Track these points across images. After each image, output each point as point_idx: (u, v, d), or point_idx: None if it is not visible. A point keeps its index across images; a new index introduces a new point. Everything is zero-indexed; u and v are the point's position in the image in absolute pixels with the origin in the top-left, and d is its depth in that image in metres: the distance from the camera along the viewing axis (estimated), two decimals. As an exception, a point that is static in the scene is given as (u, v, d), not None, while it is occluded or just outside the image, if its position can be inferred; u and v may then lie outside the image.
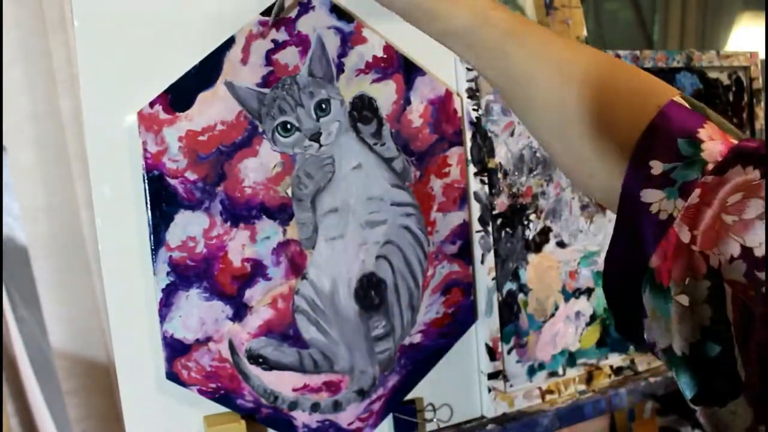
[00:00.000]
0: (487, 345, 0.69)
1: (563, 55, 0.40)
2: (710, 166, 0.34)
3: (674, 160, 0.34)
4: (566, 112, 0.39)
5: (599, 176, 0.38)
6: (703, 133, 0.35)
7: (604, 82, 0.39)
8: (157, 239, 0.55)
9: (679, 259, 0.34)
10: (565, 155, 0.41)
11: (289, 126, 0.59)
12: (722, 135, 0.35)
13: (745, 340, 0.32)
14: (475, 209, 0.68)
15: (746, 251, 0.32)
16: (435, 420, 0.68)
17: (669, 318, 0.34)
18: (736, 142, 0.35)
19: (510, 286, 0.71)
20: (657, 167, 0.35)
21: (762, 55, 0.92)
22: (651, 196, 0.35)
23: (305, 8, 0.59)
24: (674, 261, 0.34)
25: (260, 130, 0.58)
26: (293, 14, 0.59)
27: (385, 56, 0.63)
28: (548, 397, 0.73)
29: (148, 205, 0.55)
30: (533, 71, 0.41)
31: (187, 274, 0.56)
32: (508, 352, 0.71)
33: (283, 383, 0.60)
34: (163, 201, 0.55)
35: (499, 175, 0.70)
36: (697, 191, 0.34)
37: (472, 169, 0.68)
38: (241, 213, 0.58)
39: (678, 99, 0.37)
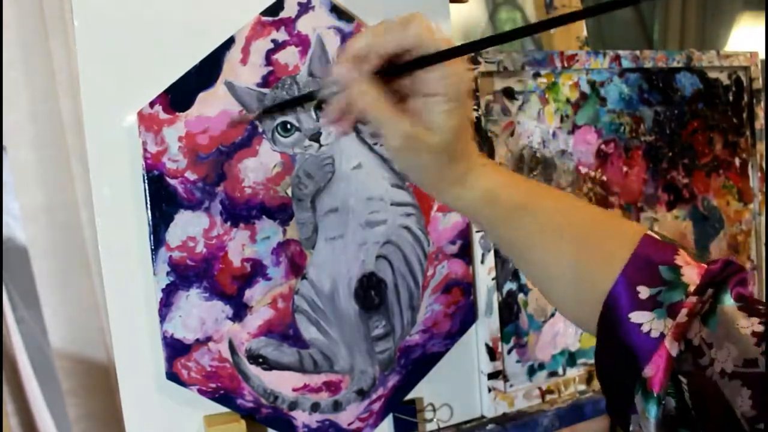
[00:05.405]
0: (487, 345, 0.69)
1: (559, 221, 0.45)
2: (691, 288, 0.40)
3: (659, 285, 0.41)
4: (564, 268, 0.45)
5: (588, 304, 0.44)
6: (679, 260, 0.41)
7: (587, 228, 0.45)
8: (157, 239, 0.55)
9: (668, 370, 0.39)
10: (559, 295, 0.47)
11: (288, 126, 0.59)
12: (693, 260, 0.41)
13: (704, 419, 0.38)
14: (475, 209, 0.68)
15: (688, 343, 0.39)
16: (435, 420, 0.68)
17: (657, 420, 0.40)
18: (705, 265, 0.41)
19: (510, 286, 0.71)
20: (644, 292, 0.41)
21: (762, 55, 0.92)
22: (641, 317, 0.41)
23: (305, 8, 0.59)
24: (665, 372, 0.39)
25: (260, 130, 0.58)
26: (293, 14, 0.59)
27: (385, 56, 0.63)
28: (548, 397, 0.73)
29: (148, 205, 0.55)
30: (533, 245, 0.46)
31: (187, 274, 0.56)
32: (508, 352, 0.71)
33: (283, 383, 0.60)
34: (163, 201, 0.55)
35: (499, 175, 0.70)
36: (684, 310, 0.39)
37: (472, 169, 0.68)
38: (241, 213, 0.58)
39: (651, 233, 0.43)
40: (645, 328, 0.40)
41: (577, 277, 0.44)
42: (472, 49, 0.41)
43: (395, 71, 0.43)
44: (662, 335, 0.39)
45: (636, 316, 0.41)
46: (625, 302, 0.41)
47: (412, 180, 0.50)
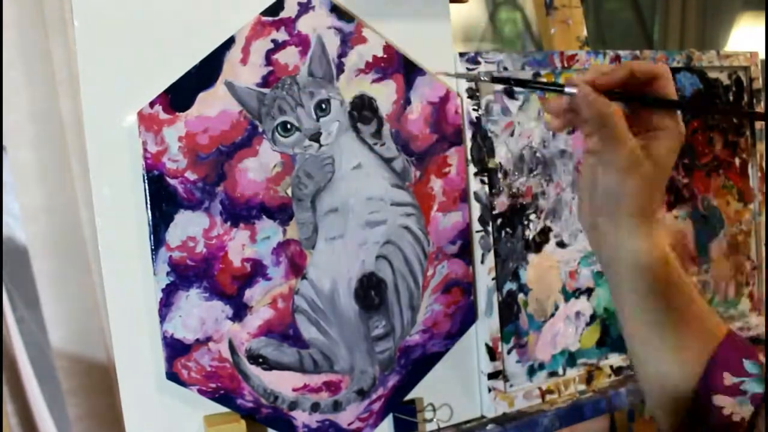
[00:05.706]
0: (487, 345, 0.69)
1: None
2: None
3: (742, 376, 0.46)
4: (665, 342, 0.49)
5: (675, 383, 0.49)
6: (762, 357, 0.47)
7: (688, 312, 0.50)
8: (157, 239, 0.55)
9: None
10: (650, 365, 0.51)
11: (289, 126, 0.59)
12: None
13: None
14: (475, 209, 0.68)
15: None
16: (435, 420, 0.68)
17: None
18: None
19: (510, 286, 0.71)
20: (728, 379, 0.46)
21: (762, 55, 0.92)
22: (723, 401, 0.45)
23: (305, 8, 0.59)
24: None
25: (260, 130, 0.58)
26: (293, 14, 0.59)
27: (385, 56, 0.63)
28: (548, 397, 0.73)
29: (148, 205, 0.55)
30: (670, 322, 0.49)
31: (187, 274, 0.56)
32: (508, 352, 0.71)
33: (283, 383, 0.60)
34: (163, 201, 0.55)
35: (499, 175, 0.70)
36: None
37: (472, 169, 0.68)
38: (241, 213, 0.58)
39: (734, 330, 0.49)
40: (726, 411, 0.45)
41: (677, 349, 0.48)
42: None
43: (627, 98, 0.47)
44: (743, 420, 0.44)
45: (718, 400, 0.45)
46: (708, 385, 0.46)
47: (600, 207, 0.50)
